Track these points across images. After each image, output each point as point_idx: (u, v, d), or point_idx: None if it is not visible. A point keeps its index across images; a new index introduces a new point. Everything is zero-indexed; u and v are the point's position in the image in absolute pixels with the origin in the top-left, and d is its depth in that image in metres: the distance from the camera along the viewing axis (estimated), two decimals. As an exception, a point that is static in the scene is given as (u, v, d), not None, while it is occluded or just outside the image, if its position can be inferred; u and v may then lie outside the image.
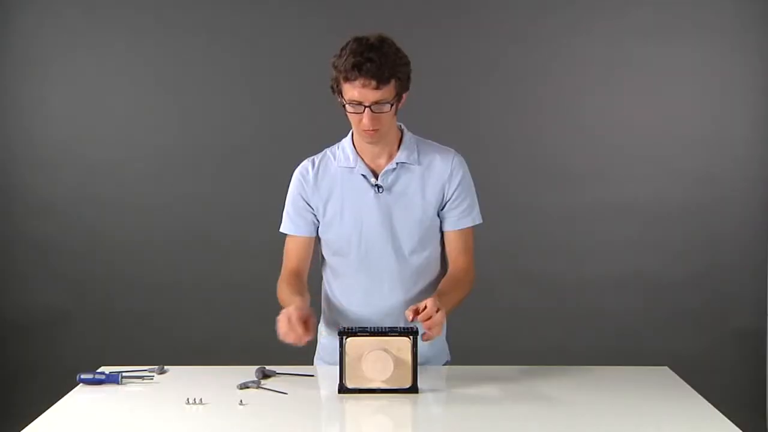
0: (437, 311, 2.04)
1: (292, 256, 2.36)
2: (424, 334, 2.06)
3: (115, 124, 3.86)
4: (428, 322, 2.03)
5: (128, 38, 3.83)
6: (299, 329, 2.06)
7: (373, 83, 2.11)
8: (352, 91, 2.13)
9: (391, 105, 2.16)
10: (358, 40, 2.14)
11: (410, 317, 2.04)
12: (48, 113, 3.85)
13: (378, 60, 2.10)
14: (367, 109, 2.14)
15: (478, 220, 2.35)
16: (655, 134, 3.81)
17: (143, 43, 3.83)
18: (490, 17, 3.81)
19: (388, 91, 2.14)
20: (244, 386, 2.13)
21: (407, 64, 2.18)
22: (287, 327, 2.07)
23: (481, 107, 3.83)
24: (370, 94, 2.12)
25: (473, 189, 2.36)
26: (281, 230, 2.37)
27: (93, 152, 3.85)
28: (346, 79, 2.13)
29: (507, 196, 3.77)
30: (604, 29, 3.80)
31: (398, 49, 2.17)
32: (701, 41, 3.78)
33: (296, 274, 2.33)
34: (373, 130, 2.18)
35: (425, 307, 2.05)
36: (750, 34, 3.75)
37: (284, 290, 2.29)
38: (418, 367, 2.06)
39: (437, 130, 2.47)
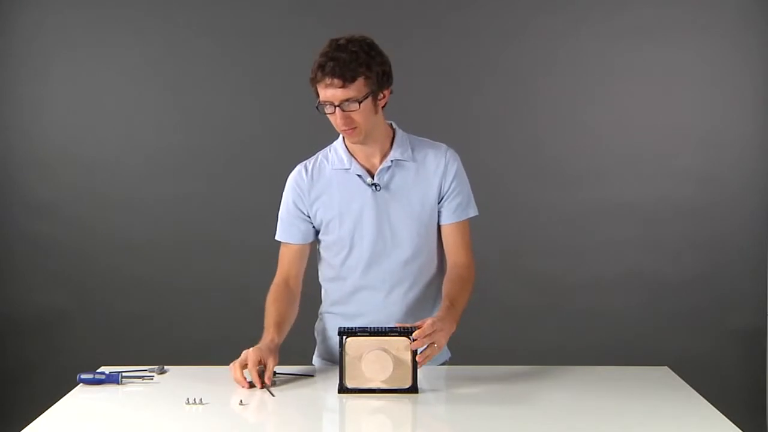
0: (434, 332, 2.04)
1: (285, 263, 2.37)
2: (420, 353, 2.04)
3: (115, 124, 3.86)
4: (425, 339, 2.03)
5: (128, 38, 3.83)
6: (252, 378, 2.09)
7: (338, 82, 2.12)
8: (323, 92, 2.15)
9: (360, 102, 2.14)
10: (329, 42, 2.16)
11: (413, 347, 2.03)
12: (48, 113, 3.85)
13: (342, 59, 2.10)
14: (337, 108, 2.15)
15: (474, 213, 2.35)
16: (655, 134, 3.81)
17: (143, 43, 3.83)
18: (490, 17, 3.81)
19: (355, 90, 2.13)
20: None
21: (382, 62, 2.17)
22: (239, 375, 2.11)
23: (480, 107, 3.82)
24: (337, 93, 2.13)
25: (467, 181, 2.35)
26: (276, 238, 2.38)
27: (92, 152, 3.85)
28: (315, 81, 2.15)
29: (507, 197, 3.77)
30: (605, 29, 3.80)
31: (371, 47, 2.16)
32: (701, 41, 3.78)
33: (287, 283, 2.34)
34: (350, 129, 2.18)
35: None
36: (750, 34, 3.75)
37: (268, 311, 2.30)
38: (418, 366, 2.06)
39: (436, 130, 2.47)
